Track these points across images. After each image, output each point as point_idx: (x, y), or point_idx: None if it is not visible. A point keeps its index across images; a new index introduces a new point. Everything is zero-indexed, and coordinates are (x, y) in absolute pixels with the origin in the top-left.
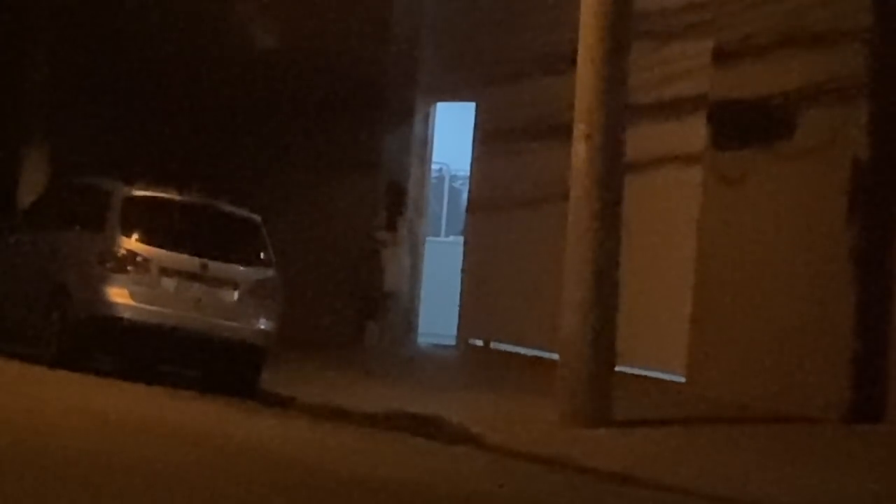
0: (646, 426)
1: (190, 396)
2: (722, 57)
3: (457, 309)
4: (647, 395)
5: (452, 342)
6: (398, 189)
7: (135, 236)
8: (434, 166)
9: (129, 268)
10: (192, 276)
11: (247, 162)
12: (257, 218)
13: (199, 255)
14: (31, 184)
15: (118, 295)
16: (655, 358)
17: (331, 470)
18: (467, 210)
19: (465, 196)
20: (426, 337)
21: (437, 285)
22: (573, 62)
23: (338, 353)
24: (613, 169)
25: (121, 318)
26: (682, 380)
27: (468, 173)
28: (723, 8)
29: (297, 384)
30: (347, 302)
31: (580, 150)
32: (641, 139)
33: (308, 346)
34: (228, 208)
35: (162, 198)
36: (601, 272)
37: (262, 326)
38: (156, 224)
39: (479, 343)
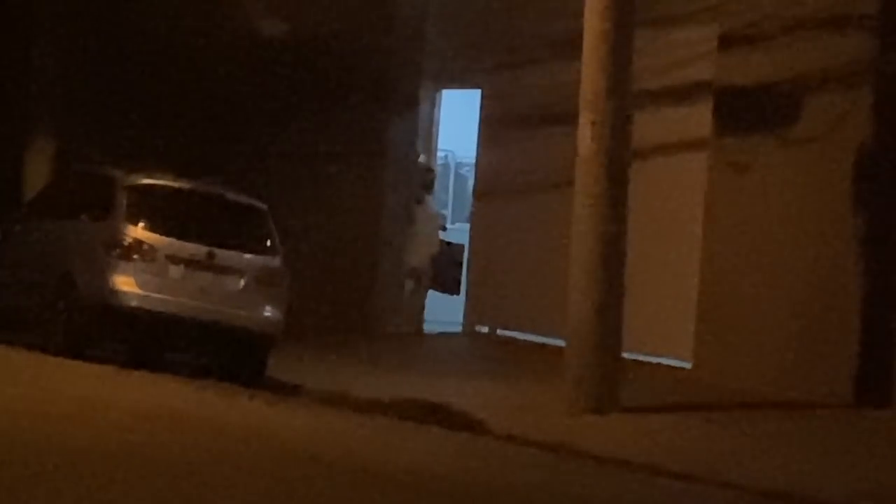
0: (653, 412)
1: (196, 385)
2: (728, 43)
3: (463, 296)
4: (654, 382)
5: (458, 329)
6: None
7: (140, 224)
8: (440, 153)
9: (134, 256)
10: (199, 265)
11: (252, 150)
12: (263, 206)
13: (206, 244)
14: (37, 172)
15: (124, 283)
16: (662, 344)
17: (336, 458)
18: (473, 197)
19: (471, 183)
20: (432, 324)
21: None
22: (578, 49)
23: (344, 340)
24: (619, 155)
25: (127, 307)
26: (689, 366)
27: (474, 160)
28: None
29: (305, 371)
30: (355, 289)
31: (586, 137)
32: (647, 126)
33: (316, 334)
34: (234, 196)
35: (168, 186)
36: (607, 259)
37: (269, 314)
38: (162, 212)
39: (486, 330)
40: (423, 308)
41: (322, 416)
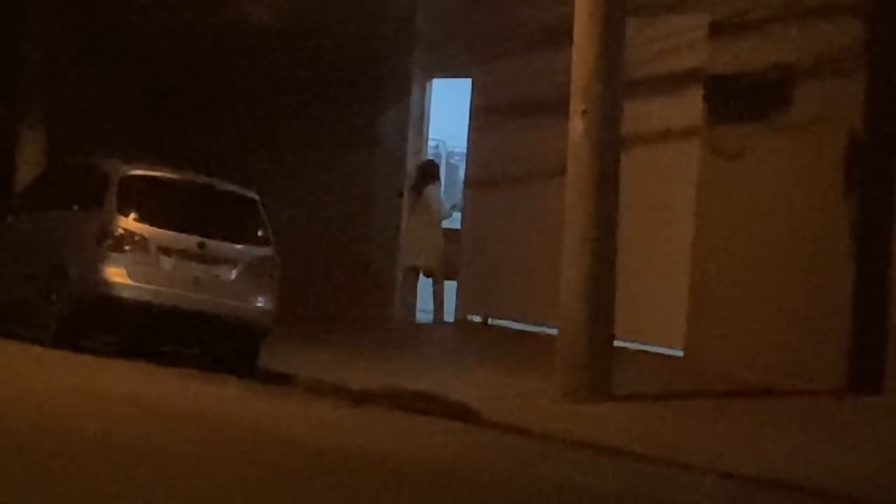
0: (645, 401)
1: (189, 375)
2: (718, 31)
3: (454, 285)
4: (646, 370)
5: (451, 318)
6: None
7: (132, 215)
8: (431, 143)
9: (126, 247)
10: (190, 255)
11: (243, 140)
12: (255, 196)
13: (197, 234)
14: (29, 164)
15: (116, 274)
16: (654, 333)
17: (329, 447)
18: (465, 186)
19: (462, 172)
20: (425, 314)
21: None
22: (569, 37)
23: (336, 329)
24: (610, 144)
25: (119, 298)
26: (681, 354)
27: (465, 149)
28: None
29: (297, 361)
30: (346, 278)
31: (577, 126)
32: (638, 114)
33: (308, 324)
34: (226, 186)
35: (159, 176)
36: (599, 247)
37: (261, 304)
38: (153, 203)
39: (478, 319)
40: (415, 299)
41: (314, 406)
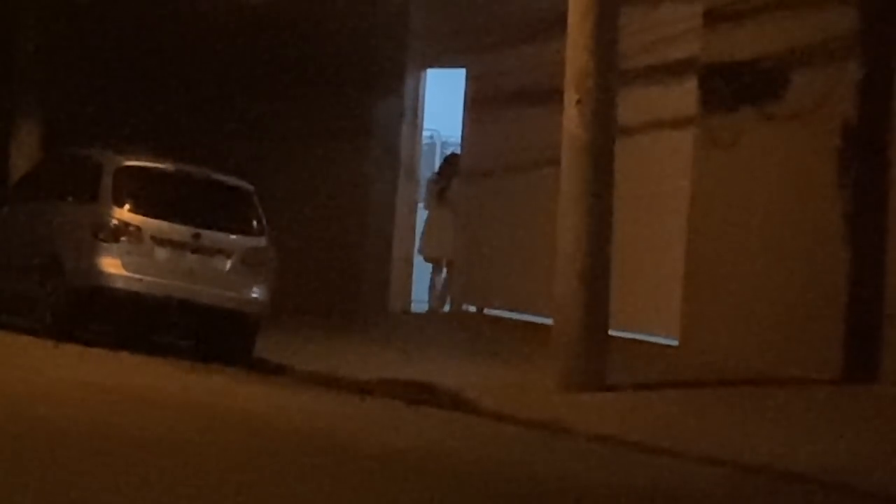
0: (640, 390)
1: (184, 366)
2: (712, 19)
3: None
4: (641, 359)
5: (446, 308)
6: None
7: (127, 206)
8: (425, 133)
9: (121, 238)
10: (185, 246)
11: (237, 130)
12: (249, 186)
13: (192, 225)
14: (24, 155)
15: (111, 265)
16: (649, 322)
17: (324, 438)
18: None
19: None
20: (420, 304)
21: None
22: (564, 27)
23: (332, 320)
24: (605, 133)
25: (114, 289)
26: (676, 343)
27: (459, 139)
28: None
29: (293, 352)
30: (342, 269)
31: (571, 115)
32: (633, 103)
33: (303, 314)
34: (220, 177)
35: (154, 168)
36: (594, 237)
37: (256, 295)
38: (148, 194)
39: (473, 309)
40: (445, 292)
41: (309, 397)
